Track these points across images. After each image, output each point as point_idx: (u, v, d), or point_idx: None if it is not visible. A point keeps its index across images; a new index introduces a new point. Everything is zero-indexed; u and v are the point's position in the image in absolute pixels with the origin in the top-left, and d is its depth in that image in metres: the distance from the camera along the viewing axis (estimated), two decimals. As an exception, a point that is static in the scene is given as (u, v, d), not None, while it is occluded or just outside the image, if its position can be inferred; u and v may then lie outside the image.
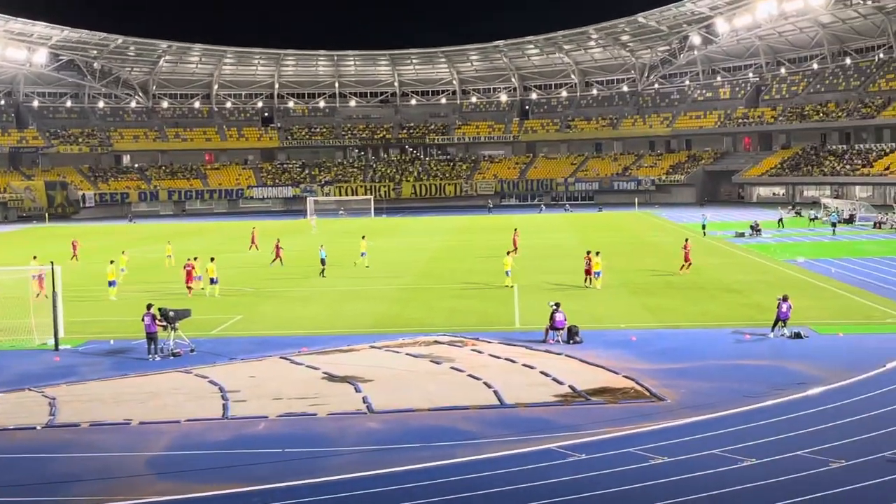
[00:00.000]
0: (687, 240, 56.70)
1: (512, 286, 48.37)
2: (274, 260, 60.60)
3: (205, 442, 22.93)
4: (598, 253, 49.28)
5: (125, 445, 22.74)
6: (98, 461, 21.61)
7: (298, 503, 18.53)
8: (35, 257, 53.73)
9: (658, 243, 72.17)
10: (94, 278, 53.39)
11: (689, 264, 52.85)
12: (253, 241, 73.51)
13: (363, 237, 63.24)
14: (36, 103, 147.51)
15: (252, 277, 54.99)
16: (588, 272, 48.55)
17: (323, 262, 55.17)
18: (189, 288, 48.16)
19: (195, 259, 50.31)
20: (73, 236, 78.47)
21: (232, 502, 18.64)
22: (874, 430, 22.22)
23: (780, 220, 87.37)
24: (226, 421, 24.70)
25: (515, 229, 70.25)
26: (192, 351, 33.46)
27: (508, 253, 53.62)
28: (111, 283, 48.11)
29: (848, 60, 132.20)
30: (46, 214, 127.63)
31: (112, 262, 49.96)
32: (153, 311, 33.21)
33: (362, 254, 60.16)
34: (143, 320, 33.13)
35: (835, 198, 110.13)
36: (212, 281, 48.50)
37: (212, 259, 50.49)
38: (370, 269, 57.65)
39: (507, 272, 49.57)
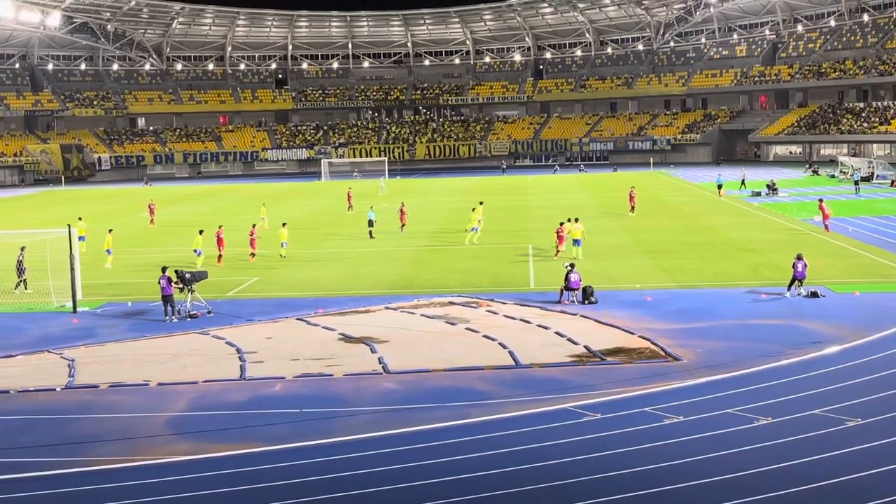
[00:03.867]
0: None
1: (557, 258, 43.95)
2: (402, 226, 57.33)
3: (223, 402, 23.11)
4: (577, 220, 45.84)
5: (144, 406, 22.94)
6: (117, 422, 21.81)
7: (315, 462, 18.68)
8: (80, 219, 52.18)
9: (673, 203, 71.91)
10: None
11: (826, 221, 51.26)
12: (349, 202, 73.25)
13: (473, 209, 57.00)
14: (50, 66, 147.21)
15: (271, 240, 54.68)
16: (561, 240, 44.90)
17: (371, 223, 55.28)
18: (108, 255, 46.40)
19: (110, 231, 48.33)
20: (91, 199, 78.33)
21: (250, 462, 18.79)
22: (890, 389, 22.23)
23: (742, 181, 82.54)
24: (243, 381, 24.88)
25: (632, 187, 67.39)
26: (209, 313, 33.64)
27: (576, 220, 45.84)
28: (108, 252, 46.50)
29: (865, 17, 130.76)
30: (63, 177, 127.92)
31: (111, 230, 48.82)
32: (168, 273, 33.39)
33: (474, 228, 52.74)
34: (159, 283, 33.32)
35: (852, 156, 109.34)
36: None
37: (283, 224, 50.00)
38: (403, 234, 56.48)
39: (572, 243, 44.09)
